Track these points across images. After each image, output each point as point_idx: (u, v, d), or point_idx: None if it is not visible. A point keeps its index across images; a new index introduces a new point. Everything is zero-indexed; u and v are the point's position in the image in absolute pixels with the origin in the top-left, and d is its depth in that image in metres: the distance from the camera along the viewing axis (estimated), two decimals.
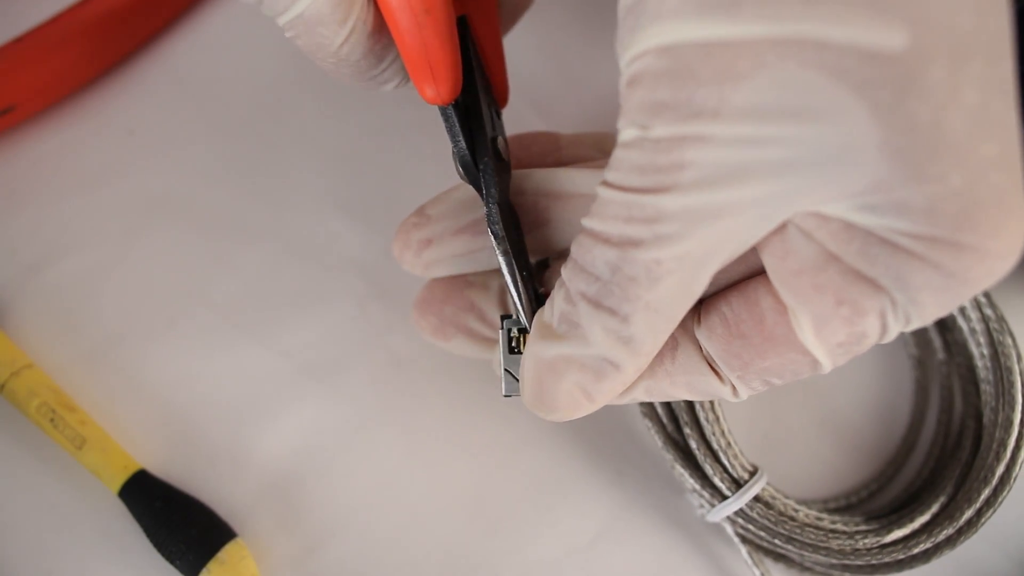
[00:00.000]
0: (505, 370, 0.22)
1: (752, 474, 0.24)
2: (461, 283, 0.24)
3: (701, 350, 0.20)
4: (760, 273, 0.19)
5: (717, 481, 0.24)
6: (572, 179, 0.22)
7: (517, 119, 0.30)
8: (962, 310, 0.25)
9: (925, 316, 0.17)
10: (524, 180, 0.22)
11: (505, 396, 0.22)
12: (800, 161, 0.15)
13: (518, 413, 0.27)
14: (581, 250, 0.18)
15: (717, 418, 0.24)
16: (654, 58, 0.16)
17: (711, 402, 0.24)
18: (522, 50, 0.31)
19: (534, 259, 0.23)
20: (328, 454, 0.27)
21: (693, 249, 0.17)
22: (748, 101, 0.15)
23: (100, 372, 0.27)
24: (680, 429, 0.25)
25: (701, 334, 0.19)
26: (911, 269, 0.16)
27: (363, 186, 0.29)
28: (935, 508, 0.24)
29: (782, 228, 0.17)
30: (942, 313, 0.17)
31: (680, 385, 0.20)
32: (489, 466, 0.27)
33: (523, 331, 0.22)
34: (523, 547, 0.26)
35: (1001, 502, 0.23)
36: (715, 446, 0.24)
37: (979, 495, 0.24)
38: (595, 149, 0.25)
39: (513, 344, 0.22)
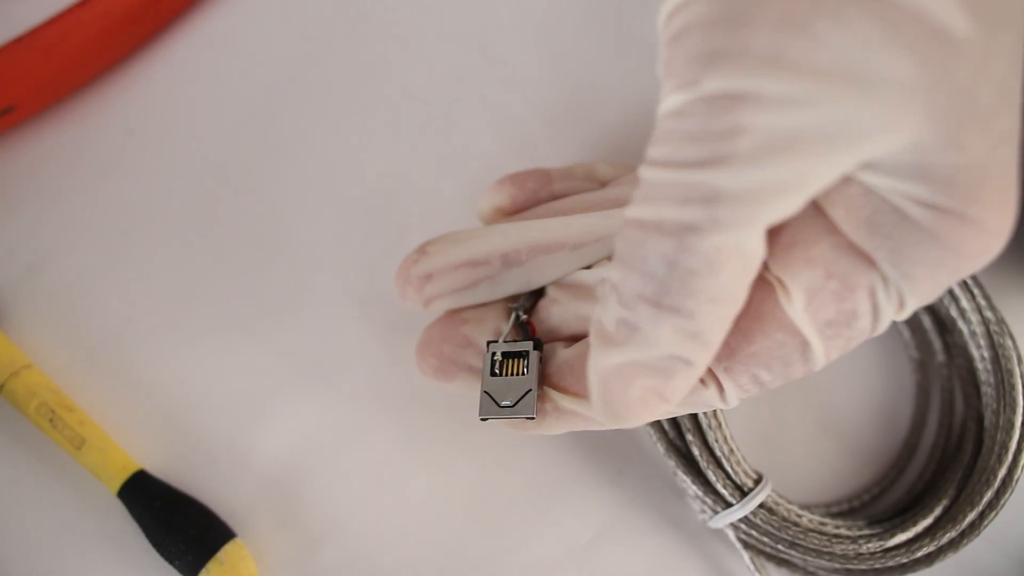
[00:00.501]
0: (484, 392, 0.22)
1: (756, 481, 0.24)
2: (457, 320, 0.24)
3: None
4: None
5: (720, 488, 0.24)
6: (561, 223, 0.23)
7: (528, 134, 0.30)
8: (962, 313, 0.25)
9: (917, 293, 0.17)
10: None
11: (481, 419, 0.22)
12: (855, 123, 0.14)
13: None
14: (630, 246, 0.16)
15: (720, 424, 0.24)
16: (705, 4, 0.14)
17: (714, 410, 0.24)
18: (537, 67, 0.31)
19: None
20: (328, 454, 0.27)
21: (755, 231, 0.15)
22: (805, 53, 0.14)
23: (99, 372, 0.27)
24: (683, 436, 0.25)
25: None
26: (912, 241, 0.16)
27: (363, 186, 0.29)
28: (938, 511, 0.24)
29: None
30: (932, 294, 0.17)
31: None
32: (489, 466, 0.27)
33: (506, 355, 0.22)
34: (523, 547, 0.26)
35: (1003, 504, 0.23)
36: (718, 453, 0.24)
37: (981, 498, 0.24)
38: (585, 180, 0.26)
39: (495, 368, 0.22)
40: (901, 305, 0.17)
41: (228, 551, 0.24)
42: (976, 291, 0.25)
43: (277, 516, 0.26)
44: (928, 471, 0.26)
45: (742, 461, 0.24)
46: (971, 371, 0.26)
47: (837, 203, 0.17)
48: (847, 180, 0.16)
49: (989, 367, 0.25)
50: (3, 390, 0.26)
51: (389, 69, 0.31)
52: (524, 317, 0.23)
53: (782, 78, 0.14)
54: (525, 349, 0.22)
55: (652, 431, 0.25)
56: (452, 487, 0.26)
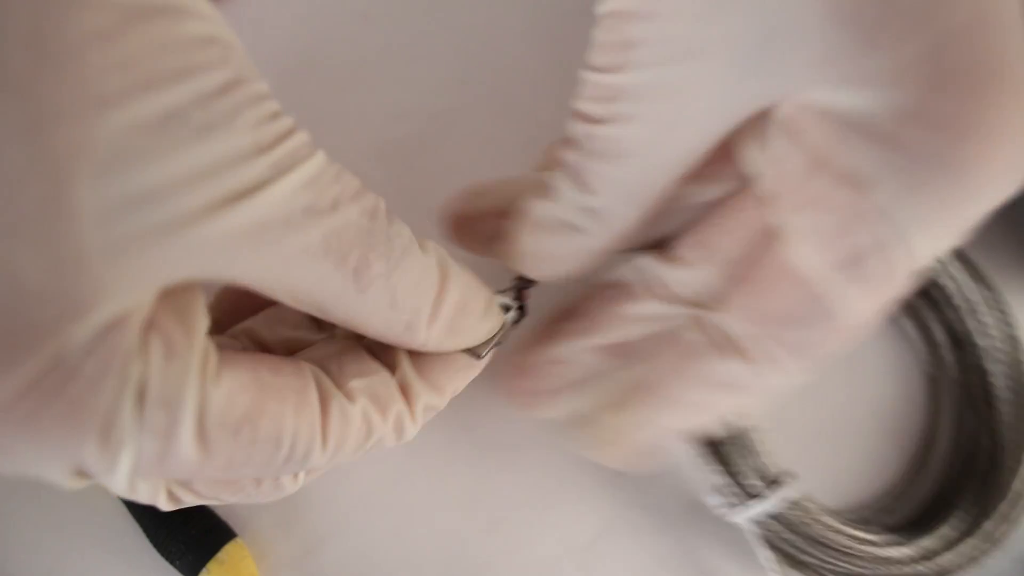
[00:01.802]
0: None
1: (784, 475, 0.24)
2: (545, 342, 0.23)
3: (701, 329, 0.20)
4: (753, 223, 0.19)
5: (749, 480, 0.24)
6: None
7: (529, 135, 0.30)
8: (979, 326, 0.25)
9: (919, 225, 0.16)
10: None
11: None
12: (747, 36, 0.16)
13: (518, 413, 0.27)
14: (569, 126, 0.19)
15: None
16: None
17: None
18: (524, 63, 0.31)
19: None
20: None
21: (650, 130, 0.18)
22: None
23: None
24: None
25: (691, 274, 0.20)
26: (889, 157, 0.16)
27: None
28: (956, 521, 0.24)
29: (764, 139, 0.17)
30: (939, 223, 0.16)
31: (693, 379, 0.20)
32: (489, 466, 0.27)
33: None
34: (523, 547, 0.26)
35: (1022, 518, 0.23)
36: (748, 444, 0.24)
37: (996, 510, 0.24)
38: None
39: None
40: (908, 248, 0.16)
41: (228, 551, 0.24)
42: (996, 308, 0.25)
43: (278, 516, 0.26)
44: (941, 482, 0.26)
45: (770, 453, 0.24)
46: (985, 387, 0.26)
47: (808, 134, 0.17)
48: (805, 107, 0.16)
49: (1008, 382, 0.25)
50: None
51: (388, 72, 0.31)
52: (523, 286, 0.23)
53: None
54: (510, 305, 0.22)
55: None
56: (452, 487, 0.26)
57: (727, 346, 0.19)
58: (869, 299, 0.17)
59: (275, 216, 0.15)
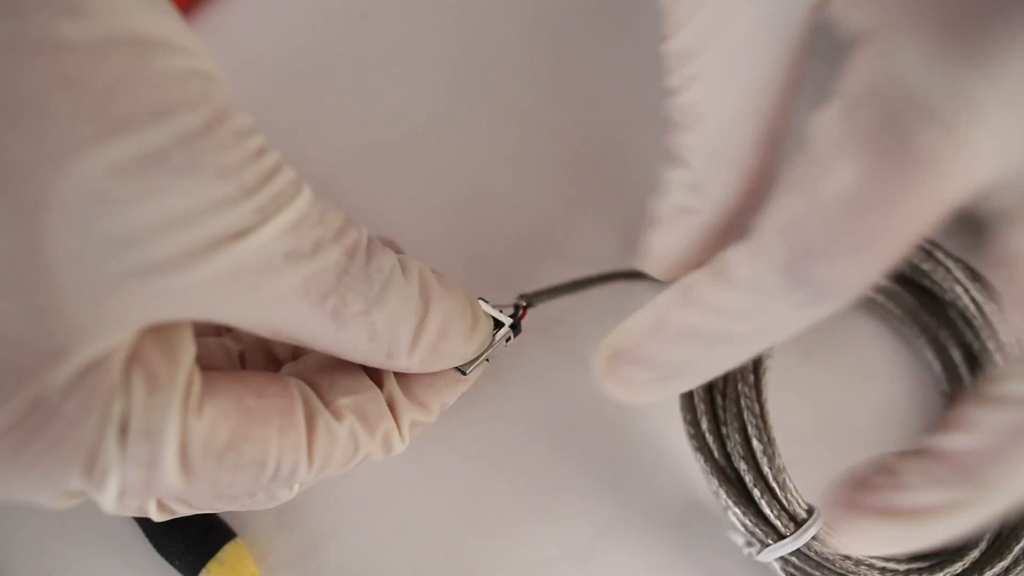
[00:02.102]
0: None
1: (810, 512, 0.23)
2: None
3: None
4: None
5: (774, 519, 0.23)
6: None
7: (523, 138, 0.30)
8: (996, 344, 0.25)
9: (913, 46, 0.13)
10: None
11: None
12: None
13: (518, 413, 0.27)
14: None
15: (774, 453, 0.23)
16: None
17: (767, 436, 0.23)
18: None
19: None
20: None
21: (711, 81, 0.18)
22: None
23: None
24: (732, 463, 0.24)
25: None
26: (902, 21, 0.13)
27: (360, 187, 0.29)
28: (983, 545, 0.24)
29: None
30: (932, 35, 0.13)
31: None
32: (489, 466, 0.27)
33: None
34: (522, 547, 0.26)
35: None
36: (772, 482, 0.23)
37: None
38: None
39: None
40: (926, 100, 0.13)
41: (228, 551, 0.24)
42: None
43: (277, 516, 0.26)
44: None
45: (795, 490, 0.23)
46: None
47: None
48: None
49: None
50: None
51: (388, 72, 0.31)
52: (523, 306, 0.23)
53: None
54: (503, 322, 0.22)
55: (703, 457, 0.24)
56: (452, 487, 0.26)
57: None
58: (887, 137, 0.14)
59: (256, 262, 0.15)
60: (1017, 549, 0.23)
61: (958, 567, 0.24)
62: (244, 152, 0.15)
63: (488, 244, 0.28)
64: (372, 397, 0.19)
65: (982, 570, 0.23)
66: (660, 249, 0.21)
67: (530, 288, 0.24)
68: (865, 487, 0.17)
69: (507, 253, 0.28)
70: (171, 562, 0.24)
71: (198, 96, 0.14)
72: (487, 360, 0.22)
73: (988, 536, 0.24)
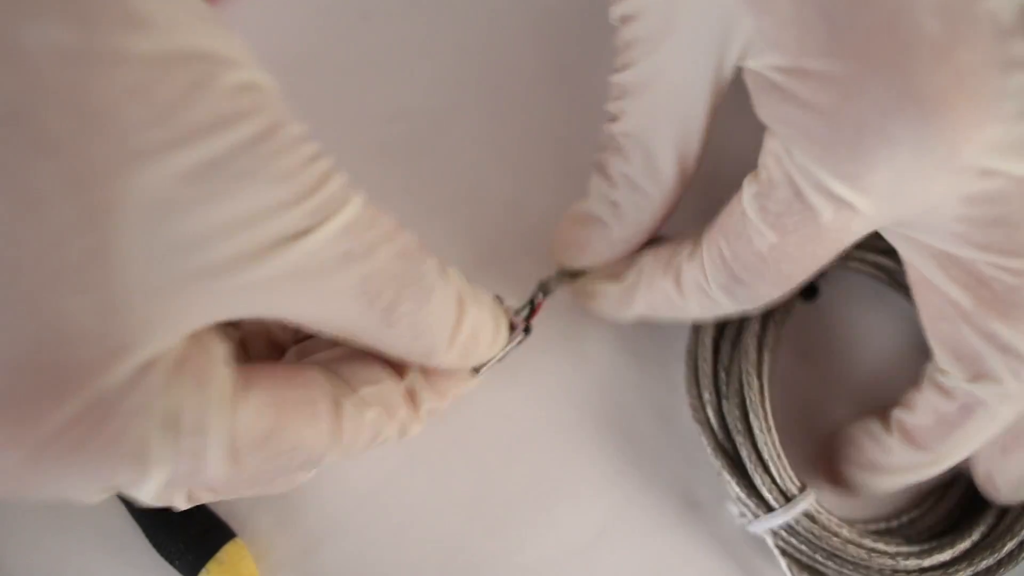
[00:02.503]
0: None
1: (800, 489, 0.24)
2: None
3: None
4: None
5: (765, 492, 0.24)
6: None
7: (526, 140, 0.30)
8: None
9: (805, 158, 0.18)
10: None
11: None
12: (690, 23, 0.19)
13: (518, 413, 0.27)
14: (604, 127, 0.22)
15: (770, 428, 0.24)
16: None
17: (764, 411, 0.24)
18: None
19: None
20: None
21: (641, 109, 0.21)
22: None
23: None
24: (731, 437, 0.25)
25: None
26: (779, 102, 0.18)
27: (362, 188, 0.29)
28: (976, 536, 0.24)
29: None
30: (821, 157, 0.18)
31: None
32: (489, 466, 0.27)
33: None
34: (523, 547, 0.26)
35: None
36: (766, 456, 0.24)
37: (1021, 527, 0.24)
38: None
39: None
40: (826, 189, 0.18)
41: (228, 551, 0.24)
42: None
43: (277, 516, 0.26)
44: (967, 498, 0.26)
45: (788, 467, 0.24)
46: None
47: (752, 93, 0.19)
48: (748, 71, 0.19)
49: None
50: None
51: (388, 72, 0.31)
52: (540, 298, 0.24)
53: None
54: (516, 325, 0.24)
55: (701, 429, 0.25)
56: (452, 487, 0.26)
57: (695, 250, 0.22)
58: (781, 225, 0.19)
59: (314, 262, 0.16)
60: (1011, 544, 0.24)
61: (947, 554, 0.24)
62: (299, 158, 0.15)
63: (488, 244, 0.28)
64: (391, 387, 0.20)
65: (972, 560, 0.24)
66: (573, 243, 0.24)
67: (529, 288, 0.24)
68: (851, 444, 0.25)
69: (507, 253, 0.28)
70: (171, 562, 0.24)
71: (256, 105, 0.15)
72: (500, 361, 0.23)
73: (982, 529, 0.24)
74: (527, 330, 0.24)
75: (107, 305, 0.14)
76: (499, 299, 0.23)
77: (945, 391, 0.21)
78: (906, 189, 0.17)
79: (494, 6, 0.31)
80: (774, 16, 0.17)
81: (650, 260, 0.23)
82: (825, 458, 0.26)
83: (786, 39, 0.17)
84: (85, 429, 0.14)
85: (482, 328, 0.20)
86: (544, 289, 0.25)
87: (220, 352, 0.16)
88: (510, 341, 0.23)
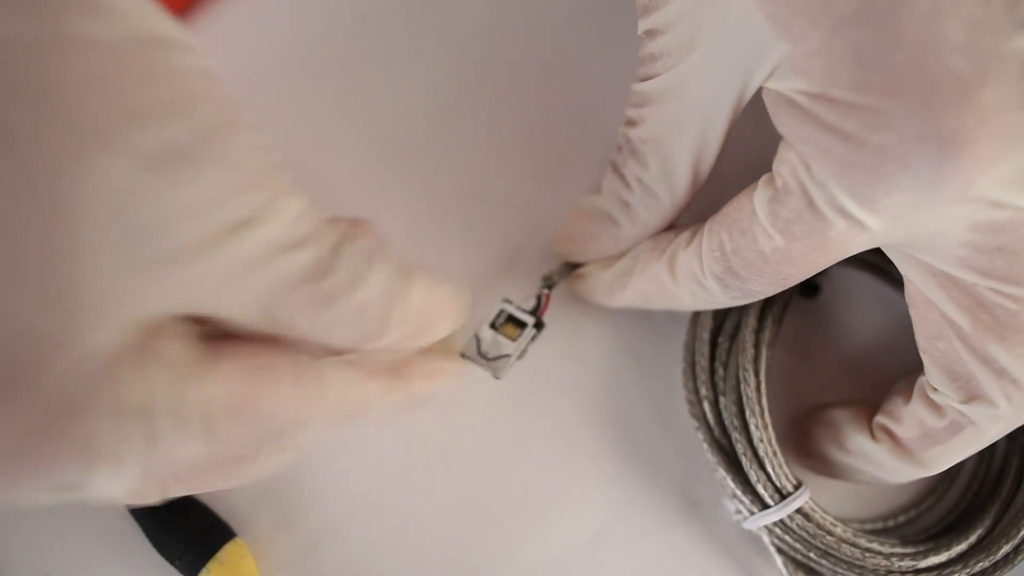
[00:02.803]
0: (475, 335, 0.25)
1: (796, 486, 0.24)
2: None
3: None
4: None
5: (760, 489, 0.24)
6: None
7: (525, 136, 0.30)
8: None
9: (823, 175, 0.18)
10: None
11: (460, 354, 0.24)
12: (716, 41, 0.19)
13: (519, 413, 0.27)
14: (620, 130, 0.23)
15: (766, 424, 0.24)
16: None
17: (761, 408, 0.24)
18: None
19: None
20: (327, 454, 0.27)
21: (662, 118, 0.21)
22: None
23: None
24: (727, 433, 0.25)
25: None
26: (802, 123, 0.18)
27: (363, 188, 0.29)
28: (972, 539, 0.24)
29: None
30: (839, 177, 0.18)
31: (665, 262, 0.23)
32: (489, 466, 0.27)
33: (510, 317, 0.25)
34: (523, 547, 0.26)
35: None
36: (762, 453, 0.24)
37: (1018, 531, 0.24)
38: None
39: (496, 322, 0.25)
40: (840, 206, 0.18)
41: (228, 551, 0.24)
42: None
43: (277, 516, 0.26)
44: (965, 500, 0.26)
45: (783, 464, 0.24)
46: None
47: (770, 108, 0.19)
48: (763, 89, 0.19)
49: None
50: None
51: (388, 72, 0.31)
52: (546, 292, 0.25)
53: (660, 14, 0.20)
54: (527, 322, 0.24)
55: (698, 425, 0.25)
56: (452, 487, 0.26)
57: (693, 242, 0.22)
58: (793, 230, 0.19)
59: (264, 250, 0.15)
60: (1007, 547, 0.24)
61: (943, 556, 0.24)
62: (253, 145, 0.15)
63: (488, 244, 0.28)
64: (364, 356, 0.20)
65: (967, 562, 0.24)
66: (581, 236, 0.25)
67: (531, 286, 0.25)
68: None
69: (507, 253, 0.28)
70: (171, 562, 0.24)
71: (210, 92, 0.15)
72: (520, 358, 0.24)
73: (979, 531, 0.24)
74: (539, 325, 0.24)
75: (63, 301, 0.13)
76: (507, 300, 0.24)
77: (935, 407, 0.22)
78: (917, 215, 0.18)
79: (494, 6, 0.31)
80: (805, 46, 0.17)
81: (646, 245, 0.24)
82: (798, 431, 0.26)
83: (815, 68, 0.17)
84: (54, 431, 0.14)
85: (432, 298, 0.20)
86: (548, 283, 0.25)
87: (184, 332, 0.16)
88: (525, 337, 0.23)
